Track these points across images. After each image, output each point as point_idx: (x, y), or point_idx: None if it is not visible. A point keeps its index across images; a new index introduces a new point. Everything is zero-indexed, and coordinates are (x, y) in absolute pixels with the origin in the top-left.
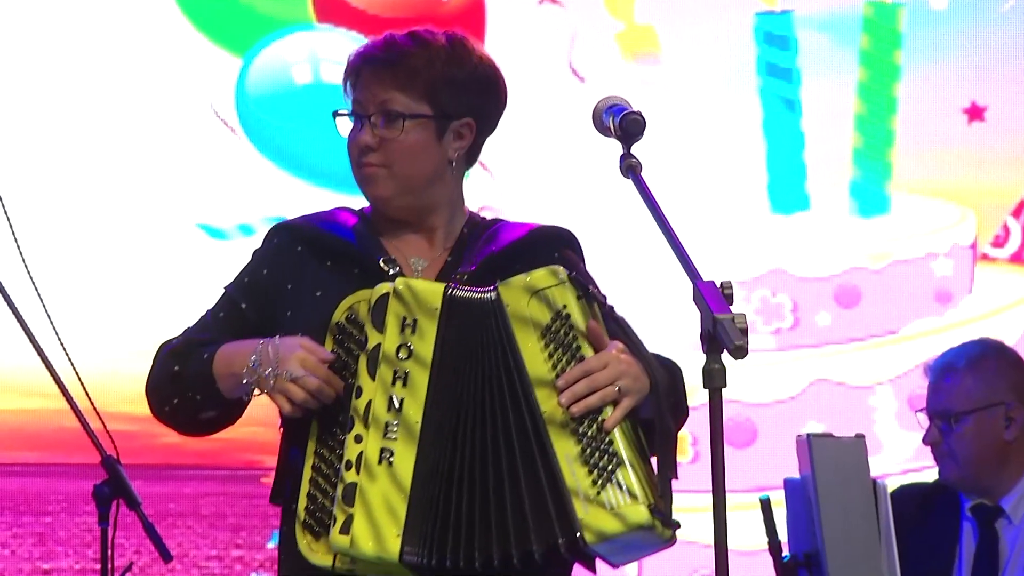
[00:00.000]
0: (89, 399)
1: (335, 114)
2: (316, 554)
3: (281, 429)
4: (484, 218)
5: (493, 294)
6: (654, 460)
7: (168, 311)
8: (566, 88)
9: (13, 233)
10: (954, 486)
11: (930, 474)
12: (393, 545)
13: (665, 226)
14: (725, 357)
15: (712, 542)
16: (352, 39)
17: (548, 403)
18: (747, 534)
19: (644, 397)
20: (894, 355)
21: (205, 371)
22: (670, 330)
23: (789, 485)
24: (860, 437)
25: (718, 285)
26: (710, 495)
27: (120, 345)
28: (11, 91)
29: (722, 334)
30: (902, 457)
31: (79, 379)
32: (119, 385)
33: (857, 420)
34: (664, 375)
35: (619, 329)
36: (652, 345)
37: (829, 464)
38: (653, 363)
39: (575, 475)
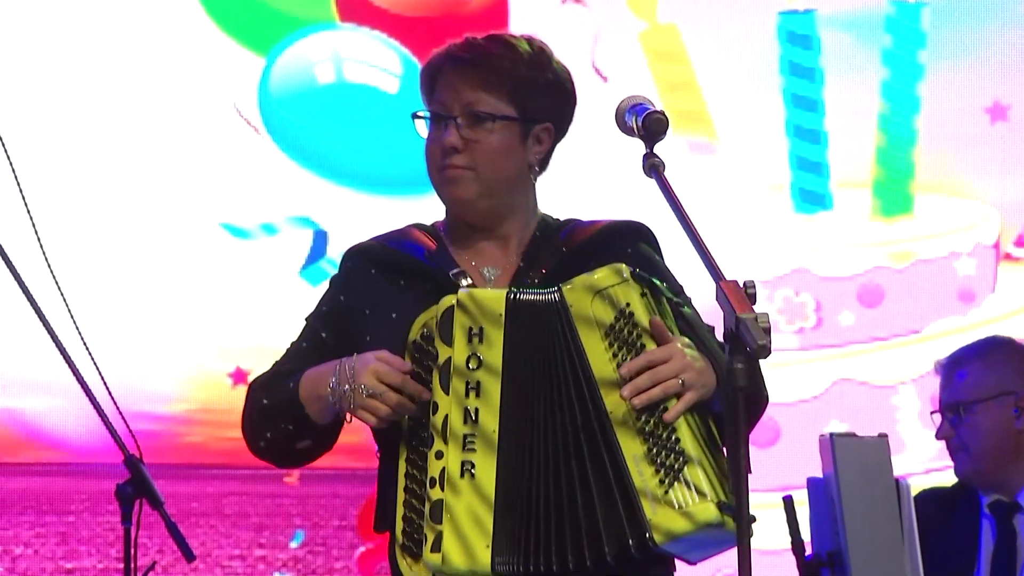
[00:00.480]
0: (112, 399)
1: (414, 116)
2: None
3: (379, 454)
4: (556, 219)
5: (556, 294)
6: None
7: (191, 310)
8: (589, 87)
9: (36, 233)
10: (970, 481)
11: (952, 474)
12: (484, 557)
13: (688, 225)
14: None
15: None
16: (375, 38)
17: (614, 403)
18: (770, 534)
19: (711, 391)
20: (917, 355)
21: (292, 399)
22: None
23: (812, 484)
24: (883, 437)
25: (741, 284)
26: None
27: (143, 345)
28: (35, 91)
29: (745, 333)
30: (925, 457)
31: (102, 379)
32: (142, 385)
33: (880, 420)
34: None
35: (686, 325)
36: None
37: (852, 464)
38: (721, 356)
39: (642, 475)
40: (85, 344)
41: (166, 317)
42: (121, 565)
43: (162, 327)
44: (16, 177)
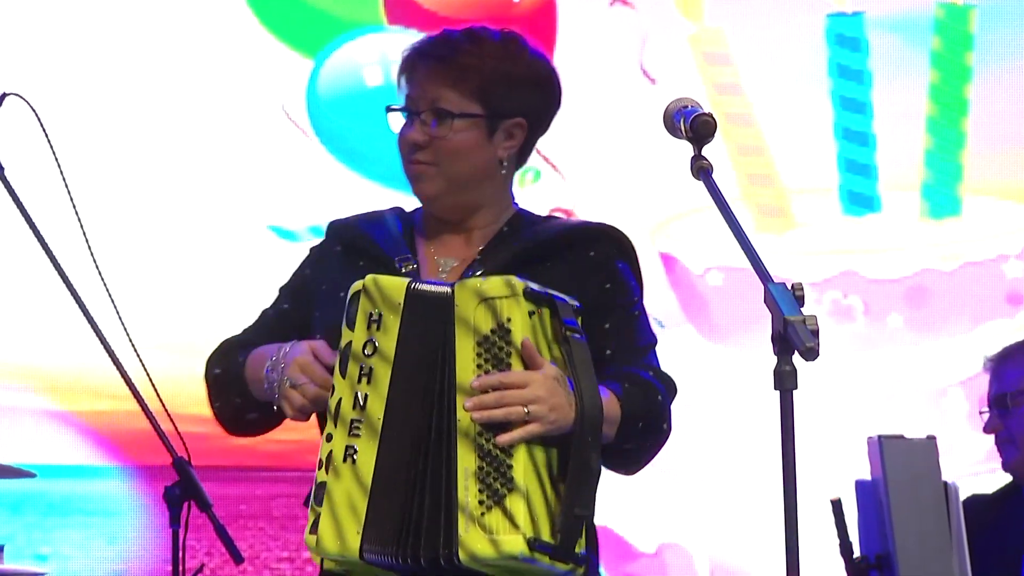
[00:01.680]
0: (160, 401)
1: (388, 109)
2: (314, 555)
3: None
4: (536, 216)
5: (447, 288)
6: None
7: (239, 313)
8: (637, 90)
9: (84, 234)
10: (1016, 473)
11: (1002, 476)
12: (354, 542)
13: (736, 227)
14: (796, 359)
15: (784, 544)
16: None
17: (463, 411)
18: (818, 536)
19: (562, 428)
20: (965, 357)
21: (239, 375)
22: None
23: (860, 487)
24: (931, 439)
25: (789, 287)
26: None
27: (191, 347)
28: (84, 93)
29: (793, 336)
30: (973, 459)
31: (150, 381)
32: (190, 387)
33: (929, 422)
34: (614, 404)
35: (568, 352)
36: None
37: (900, 466)
38: (588, 395)
39: (467, 490)
40: (133, 346)
41: (214, 319)
42: (169, 567)
43: (210, 329)
44: (64, 179)
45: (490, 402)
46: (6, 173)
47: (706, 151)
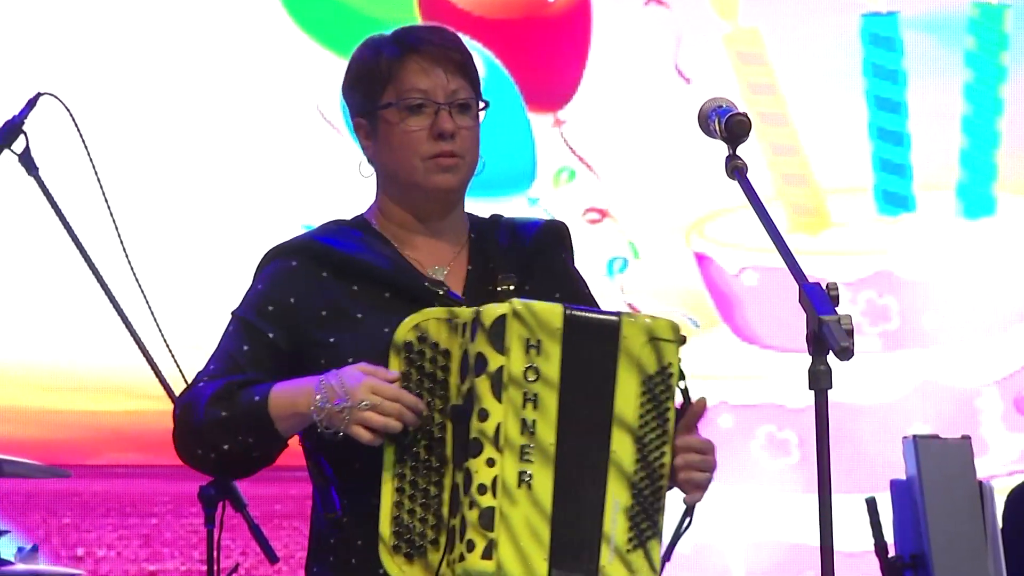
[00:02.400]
0: None
1: (381, 107)
2: None
3: (304, 446)
4: (480, 217)
5: (615, 320)
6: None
7: None
8: (672, 89)
9: (119, 235)
10: None
11: None
12: (542, 568)
13: (771, 227)
14: (831, 358)
15: (818, 543)
16: None
17: (621, 446)
18: (853, 535)
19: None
20: (1000, 356)
21: (259, 414)
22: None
23: (895, 486)
24: (966, 439)
25: (824, 286)
26: (816, 496)
27: None
28: (120, 93)
29: (828, 335)
30: (1008, 459)
31: (185, 381)
32: None
33: (963, 422)
34: None
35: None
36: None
37: (935, 465)
38: None
39: (615, 524)
40: (168, 345)
41: None
42: (204, 567)
43: None
44: (99, 178)
45: (696, 463)
46: (41, 173)
47: (741, 151)
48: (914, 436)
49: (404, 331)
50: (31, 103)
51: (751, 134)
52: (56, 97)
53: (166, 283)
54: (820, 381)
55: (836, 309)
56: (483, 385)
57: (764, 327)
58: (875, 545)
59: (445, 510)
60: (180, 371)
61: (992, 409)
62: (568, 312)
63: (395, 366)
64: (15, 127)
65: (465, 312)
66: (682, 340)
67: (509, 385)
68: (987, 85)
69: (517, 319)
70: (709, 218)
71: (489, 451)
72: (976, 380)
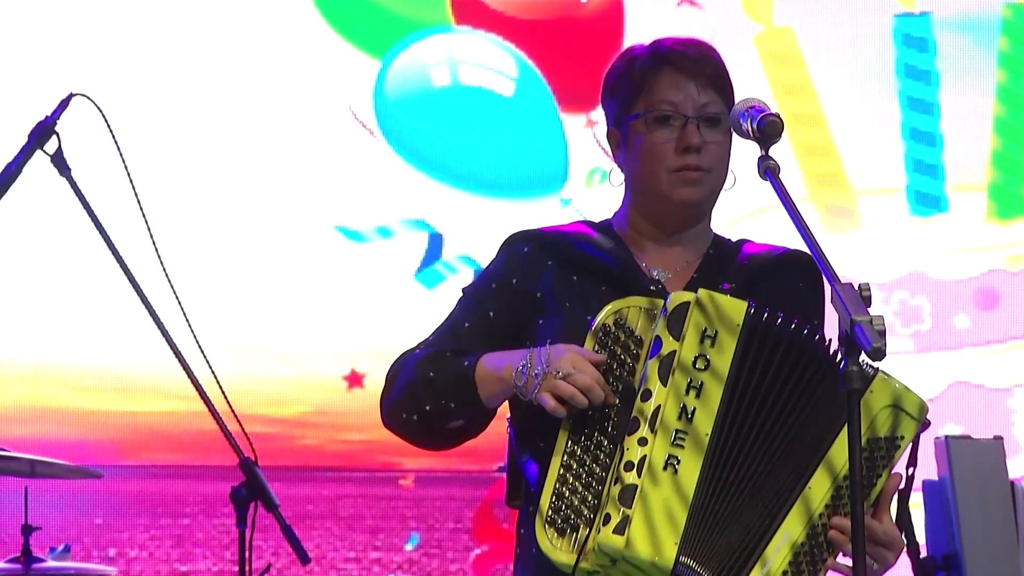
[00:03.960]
0: (227, 401)
1: (630, 118)
2: (558, 551)
3: (509, 430)
4: (727, 239)
5: (822, 360)
6: None
7: (306, 313)
8: None
9: (151, 236)
10: None
11: None
12: (670, 552)
13: (803, 228)
14: (863, 359)
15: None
16: (490, 41)
17: (819, 485)
18: None
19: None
20: None
21: (465, 377)
22: None
23: (927, 487)
24: (998, 439)
25: (856, 287)
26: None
27: (258, 347)
28: (153, 94)
29: (860, 336)
30: None
31: (217, 381)
32: (257, 387)
33: (995, 422)
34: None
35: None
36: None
37: (967, 466)
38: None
39: (779, 551)
40: (200, 347)
41: (281, 319)
42: (236, 568)
43: (277, 329)
44: (131, 180)
45: (871, 552)
46: (73, 174)
47: (773, 151)
48: (946, 437)
49: (605, 315)
50: (63, 104)
51: (783, 134)
52: (89, 98)
53: (198, 283)
54: (853, 381)
55: (868, 310)
56: (653, 367)
57: None
58: (907, 545)
59: (607, 487)
60: (212, 371)
61: None
62: (752, 310)
63: (589, 347)
64: (47, 128)
65: (662, 302)
66: (926, 424)
67: (677, 370)
68: (1020, 86)
69: (699, 308)
70: (741, 218)
71: (643, 430)
72: (1008, 380)
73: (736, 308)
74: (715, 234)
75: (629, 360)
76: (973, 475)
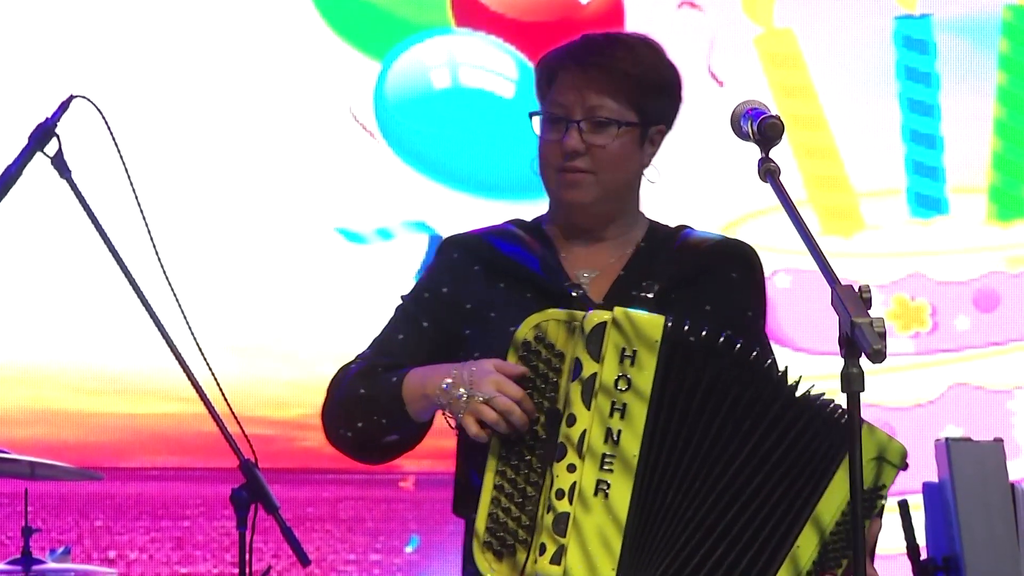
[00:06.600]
0: (227, 403)
1: (532, 114)
2: (497, 574)
3: (457, 438)
4: (667, 226)
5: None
6: None
7: (306, 315)
8: (704, 92)
9: (151, 237)
10: None
11: None
12: None
13: (803, 230)
14: (863, 361)
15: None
16: (490, 43)
17: (806, 543)
18: (885, 537)
19: None
20: None
21: (394, 393)
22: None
23: (927, 489)
24: (999, 441)
25: (856, 289)
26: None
27: (259, 349)
28: (153, 95)
29: (860, 338)
30: None
31: (217, 383)
32: (258, 389)
33: (996, 424)
34: None
35: None
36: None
37: (967, 468)
38: None
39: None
40: (200, 348)
41: (281, 321)
42: (236, 570)
43: (277, 331)
44: (132, 182)
45: None
46: (73, 176)
47: (773, 153)
48: (946, 439)
49: (524, 330)
50: (64, 106)
51: (783, 137)
52: (89, 100)
53: (198, 285)
54: (853, 383)
55: (868, 311)
56: (575, 391)
57: (797, 329)
58: (907, 547)
59: (541, 511)
60: (212, 373)
61: None
62: (670, 325)
63: (511, 362)
64: (48, 130)
65: (582, 316)
66: (904, 467)
67: (599, 392)
68: (1021, 88)
69: (616, 328)
70: (742, 221)
71: (571, 456)
72: (1009, 382)
73: (653, 324)
74: (653, 223)
75: (552, 375)
76: (973, 477)
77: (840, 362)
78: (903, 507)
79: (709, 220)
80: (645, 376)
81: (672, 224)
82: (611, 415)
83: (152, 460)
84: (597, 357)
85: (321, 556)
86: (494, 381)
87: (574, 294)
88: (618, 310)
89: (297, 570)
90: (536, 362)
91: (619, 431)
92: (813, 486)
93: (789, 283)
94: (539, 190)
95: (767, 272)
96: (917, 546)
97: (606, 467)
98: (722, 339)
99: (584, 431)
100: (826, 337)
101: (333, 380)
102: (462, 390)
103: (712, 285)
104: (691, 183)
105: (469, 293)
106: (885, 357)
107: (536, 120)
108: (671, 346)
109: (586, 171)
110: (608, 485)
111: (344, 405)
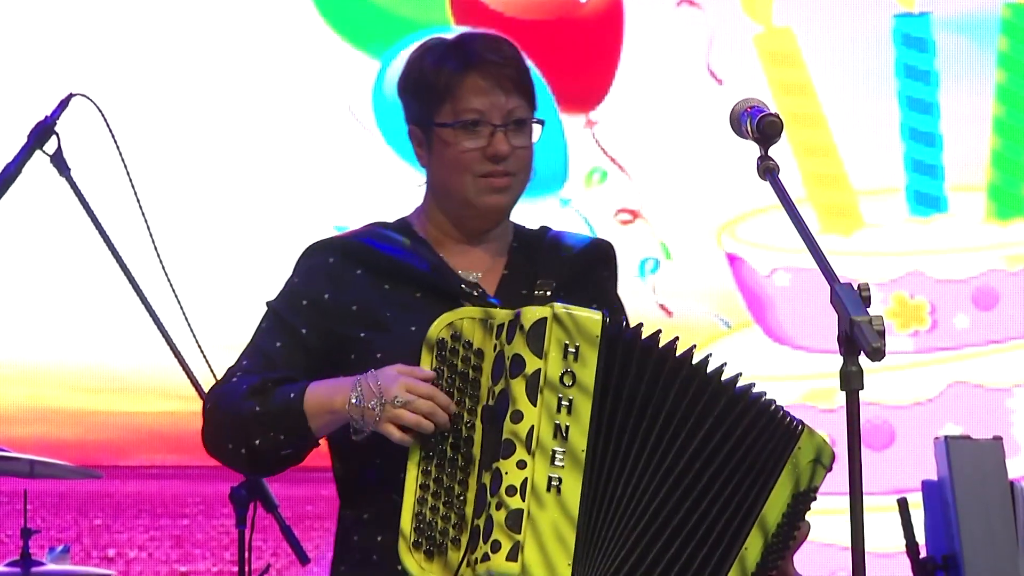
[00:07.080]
0: None
1: (437, 125)
2: (429, 574)
3: (330, 446)
4: (527, 227)
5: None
6: None
7: None
8: (703, 90)
9: (151, 235)
10: None
11: None
12: (564, 573)
13: (802, 228)
14: (862, 359)
15: (849, 544)
16: None
17: (752, 545)
18: (885, 536)
19: None
20: None
21: (294, 409)
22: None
23: (927, 487)
24: (998, 439)
25: (855, 287)
26: (847, 497)
27: None
28: (151, 93)
29: (859, 336)
30: None
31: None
32: None
33: (995, 422)
34: None
35: None
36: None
37: (967, 466)
38: None
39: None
40: (200, 347)
41: None
42: (236, 568)
43: None
44: (131, 179)
45: None
46: (73, 174)
47: (772, 151)
48: (945, 437)
49: (438, 328)
50: (63, 104)
51: (783, 135)
52: (88, 98)
53: (198, 284)
54: (852, 381)
55: (868, 310)
56: (519, 387)
57: (796, 328)
58: (907, 546)
59: (469, 509)
60: (212, 371)
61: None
62: (608, 321)
63: (427, 363)
64: (47, 128)
65: (501, 314)
66: (829, 468)
67: (545, 388)
68: (1020, 86)
69: (557, 323)
70: (741, 219)
71: (521, 453)
72: (1008, 380)
73: (592, 320)
74: (514, 224)
75: (472, 374)
76: (973, 475)
77: (839, 360)
78: (902, 505)
79: (709, 219)
80: (588, 372)
81: (525, 224)
82: (558, 410)
83: (151, 458)
84: (540, 353)
85: (320, 554)
86: (403, 384)
87: (476, 293)
88: (557, 306)
89: (296, 568)
90: (454, 360)
91: (567, 426)
92: (761, 486)
93: (788, 281)
94: (536, 188)
95: (766, 270)
96: (916, 544)
97: (557, 462)
98: (654, 337)
99: (532, 427)
100: (825, 335)
101: (212, 395)
102: (374, 400)
103: (592, 285)
104: (690, 181)
105: (354, 296)
106: (884, 355)
107: (444, 132)
108: (609, 342)
109: (510, 174)
110: (560, 480)
111: (238, 422)
